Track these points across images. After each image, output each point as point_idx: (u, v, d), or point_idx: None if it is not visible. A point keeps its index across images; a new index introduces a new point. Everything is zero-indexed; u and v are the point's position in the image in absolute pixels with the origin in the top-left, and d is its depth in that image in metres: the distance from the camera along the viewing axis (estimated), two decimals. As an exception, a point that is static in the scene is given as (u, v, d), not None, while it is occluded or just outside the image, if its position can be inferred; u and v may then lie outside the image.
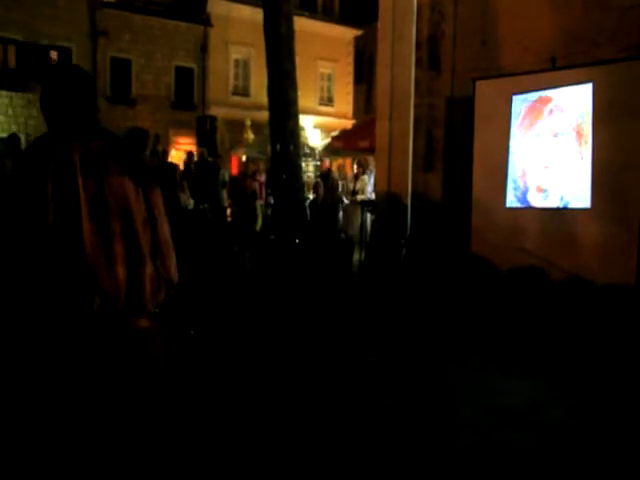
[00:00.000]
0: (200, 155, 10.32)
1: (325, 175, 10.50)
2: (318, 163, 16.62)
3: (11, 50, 16.85)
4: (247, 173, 11.46)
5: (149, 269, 1.75)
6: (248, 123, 17.70)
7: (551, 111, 5.68)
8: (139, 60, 18.69)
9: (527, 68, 5.91)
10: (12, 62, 16.93)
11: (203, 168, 9.76)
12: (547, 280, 5.52)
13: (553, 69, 5.75)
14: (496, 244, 6.03)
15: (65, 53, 17.51)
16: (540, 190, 5.79)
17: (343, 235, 8.35)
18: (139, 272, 1.72)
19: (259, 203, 9.64)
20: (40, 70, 16.97)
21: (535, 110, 5.81)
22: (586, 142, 5.37)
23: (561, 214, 5.60)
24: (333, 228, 8.12)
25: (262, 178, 11.29)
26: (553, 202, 5.67)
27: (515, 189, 6.00)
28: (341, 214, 9.94)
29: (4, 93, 16.82)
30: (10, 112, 17.08)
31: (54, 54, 17.34)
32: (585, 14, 5.74)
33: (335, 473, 2.89)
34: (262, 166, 11.91)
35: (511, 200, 6.03)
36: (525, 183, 5.92)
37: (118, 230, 1.67)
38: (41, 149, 1.68)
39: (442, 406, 3.72)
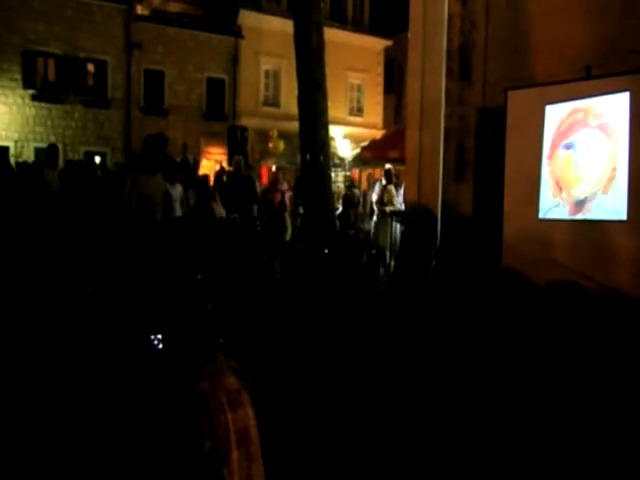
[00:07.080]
0: (236, 164, 9.96)
1: (348, 196, 10.44)
2: (348, 173, 16.60)
3: (51, 63, 17.41)
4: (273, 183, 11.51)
5: None
6: (273, 133, 17.83)
7: (585, 121, 5.55)
8: (172, 71, 19.06)
9: (561, 77, 5.80)
10: (52, 75, 17.49)
11: (237, 180, 9.61)
12: (581, 295, 5.37)
13: (588, 78, 5.64)
14: (528, 257, 5.91)
15: (101, 65, 18.01)
16: (574, 202, 5.66)
17: (373, 249, 8.31)
18: None
19: (287, 213, 9.63)
20: (77, 82, 17.52)
21: (569, 120, 5.69)
22: (623, 153, 5.23)
23: (596, 226, 5.46)
24: (358, 241, 8.11)
25: (284, 187, 11.19)
26: (587, 214, 5.54)
27: (548, 201, 5.88)
28: (372, 225, 9.88)
29: (44, 105, 17.40)
30: (49, 123, 17.62)
31: (91, 67, 17.87)
32: (622, 20, 5.62)
33: None
34: (282, 175, 11.98)
35: (544, 212, 5.91)
36: (559, 194, 5.80)
37: (255, 453, 1.88)
38: (187, 384, 1.86)
39: (472, 416, 3.65)
